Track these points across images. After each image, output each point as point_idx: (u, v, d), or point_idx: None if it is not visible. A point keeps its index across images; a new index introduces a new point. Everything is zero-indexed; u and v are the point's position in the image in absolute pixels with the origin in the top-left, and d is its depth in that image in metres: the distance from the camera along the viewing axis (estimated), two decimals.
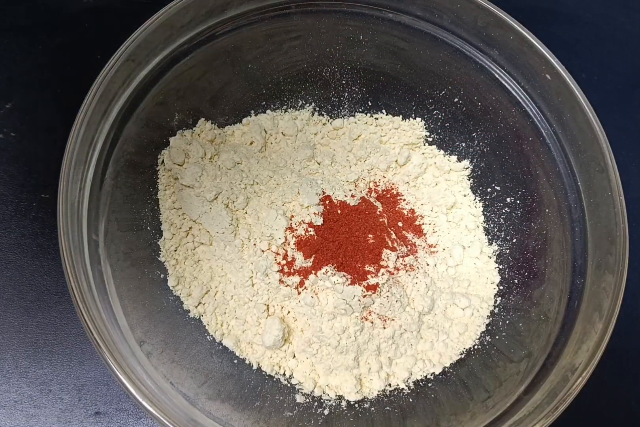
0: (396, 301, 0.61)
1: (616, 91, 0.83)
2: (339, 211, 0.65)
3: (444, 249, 0.68)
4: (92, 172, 0.53)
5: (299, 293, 0.62)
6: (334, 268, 0.62)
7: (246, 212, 0.64)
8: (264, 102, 0.69)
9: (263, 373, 0.60)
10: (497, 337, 0.62)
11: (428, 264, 0.67)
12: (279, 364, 0.61)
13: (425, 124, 0.70)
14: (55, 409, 0.62)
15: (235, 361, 0.60)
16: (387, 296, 0.61)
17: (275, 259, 0.62)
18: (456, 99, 0.66)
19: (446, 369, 0.62)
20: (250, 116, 0.69)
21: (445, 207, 0.69)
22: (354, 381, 0.59)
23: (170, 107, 0.62)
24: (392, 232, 0.66)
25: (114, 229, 0.56)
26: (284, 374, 0.61)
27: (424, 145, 0.71)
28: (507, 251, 0.66)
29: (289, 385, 0.60)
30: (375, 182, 0.70)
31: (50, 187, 0.68)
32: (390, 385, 0.61)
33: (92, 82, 0.51)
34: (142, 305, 0.56)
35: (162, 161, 0.63)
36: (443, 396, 0.60)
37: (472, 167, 0.69)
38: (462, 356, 0.63)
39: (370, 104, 0.71)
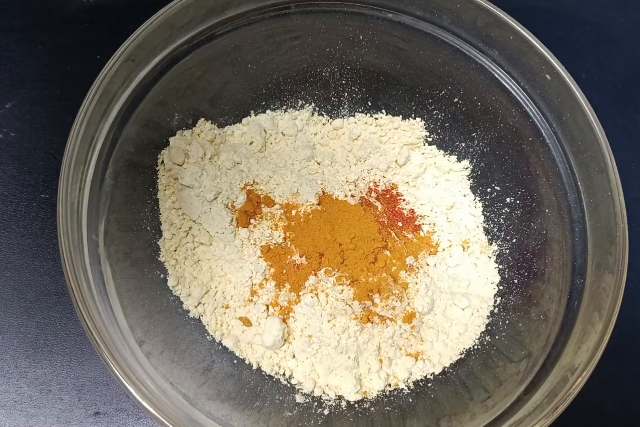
0: (396, 301, 0.61)
1: (616, 91, 0.83)
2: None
3: (443, 249, 0.68)
4: (92, 172, 0.53)
5: (299, 293, 0.62)
6: (334, 268, 0.62)
7: None
8: (263, 102, 0.69)
9: (263, 373, 0.60)
10: (497, 337, 0.62)
11: (428, 264, 0.67)
12: (278, 364, 0.61)
13: (425, 124, 0.70)
14: (55, 409, 0.62)
15: (235, 361, 0.60)
16: (387, 296, 0.61)
17: None
18: (456, 99, 0.66)
19: (446, 369, 0.62)
20: (250, 116, 0.69)
21: (445, 207, 0.69)
22: (354, 381, 0.59)
23: (170, 107, 0.62)
24: (392, 232, 0.66)
25: (114, 229, 0.56)
26: (284, 374, 0.61)
27: (424, 145, 0.71)
28: (507, 251, 0.66)
29: (288, 385, 0.60)
30: (375, 182, 0.69)
31: (50, 187, 0.68)
32: (390, 385, 0.61)
33: (92, 82, 0.51)
34: (142, 305, 0.56)
35: (162, 161, 0.63)
36: (443, 396, 0.60)
37: (472, 167, 0.69)
38: (462, 356, 0.63)
39: (370, 104, 0.71)
